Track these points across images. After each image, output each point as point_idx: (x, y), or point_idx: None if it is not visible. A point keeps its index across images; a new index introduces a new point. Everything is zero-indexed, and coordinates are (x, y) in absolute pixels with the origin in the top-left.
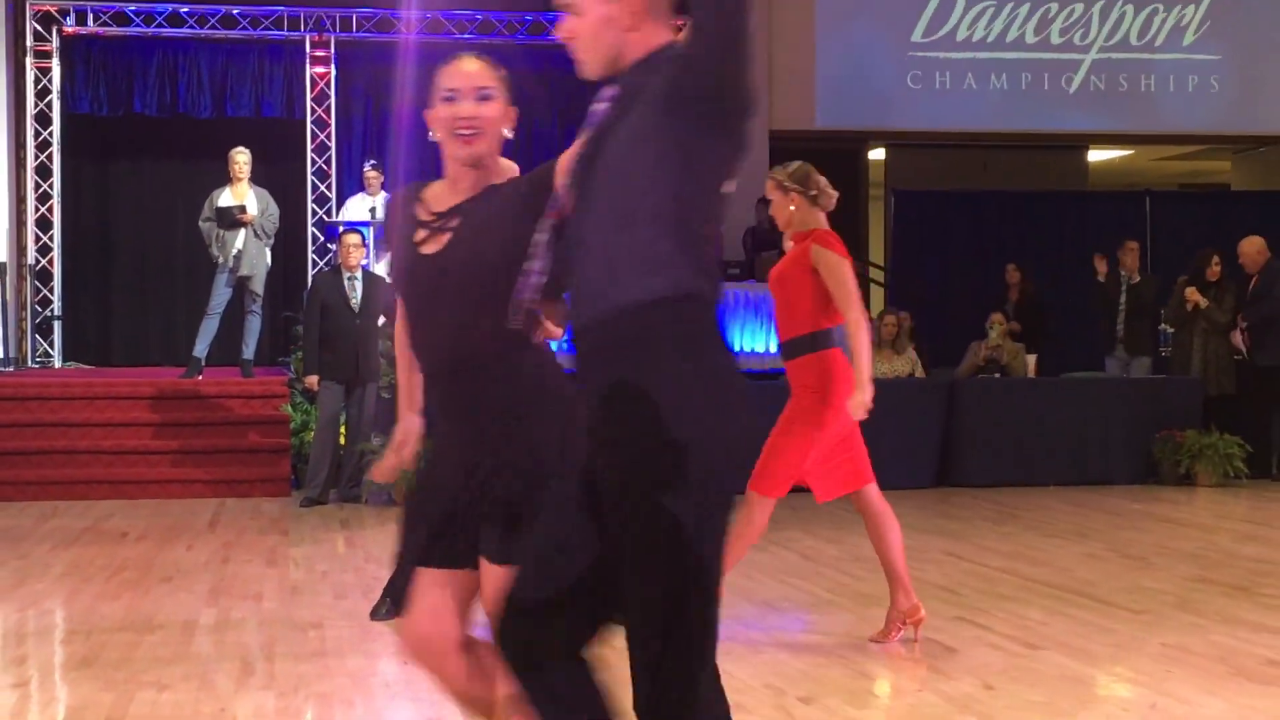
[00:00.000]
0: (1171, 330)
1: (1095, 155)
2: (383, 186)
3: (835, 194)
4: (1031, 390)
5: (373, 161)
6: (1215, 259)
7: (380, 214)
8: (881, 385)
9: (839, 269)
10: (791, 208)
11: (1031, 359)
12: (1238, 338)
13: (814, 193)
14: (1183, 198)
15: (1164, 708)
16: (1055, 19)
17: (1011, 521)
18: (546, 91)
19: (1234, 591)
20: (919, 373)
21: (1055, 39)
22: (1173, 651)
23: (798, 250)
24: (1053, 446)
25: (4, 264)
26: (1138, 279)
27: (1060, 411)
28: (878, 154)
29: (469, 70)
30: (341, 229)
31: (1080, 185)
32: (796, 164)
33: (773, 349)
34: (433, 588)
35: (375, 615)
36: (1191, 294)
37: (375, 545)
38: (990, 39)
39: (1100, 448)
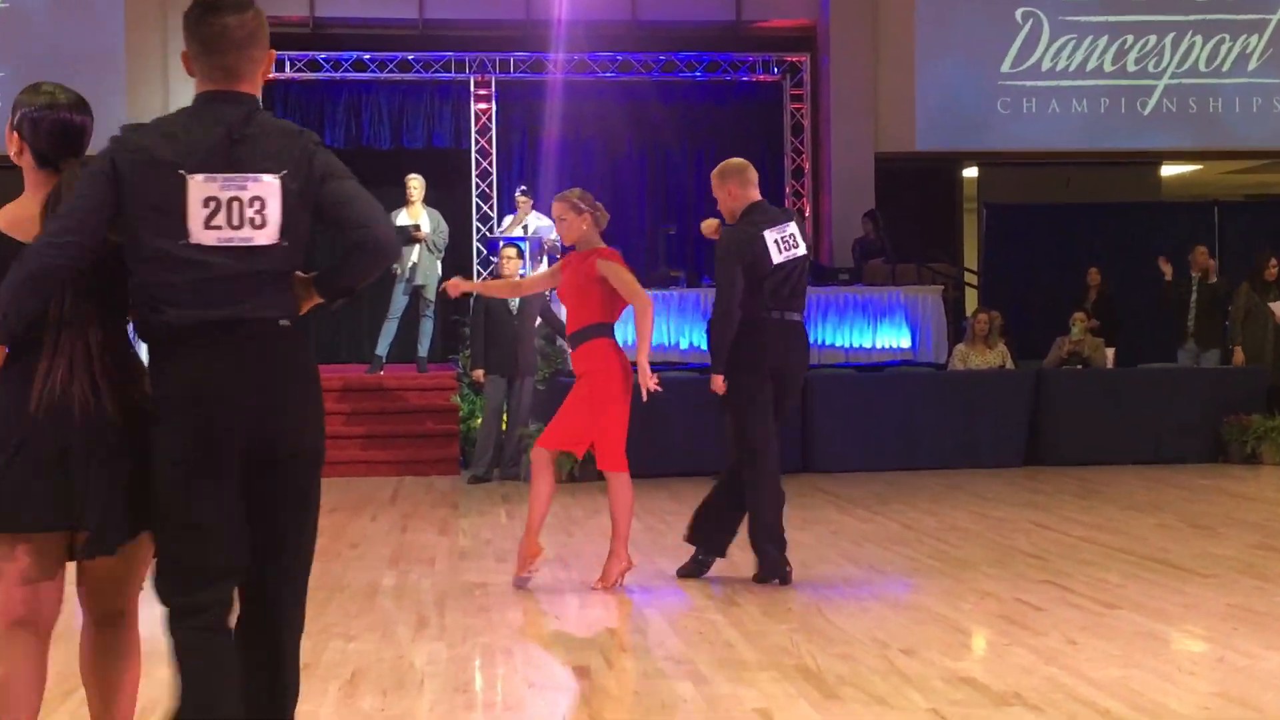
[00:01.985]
0: (1236, 327)
1: (1168, 170)
2: (532, 208)
3: (608, 216)
4: (1111, 379)
5: (523, 187)
6: (1273, 260)
7: (531, 231)
8: (975, 375)
9: (624, 273)
10: (584, 226)
11: (1110, 351)
12: None
13: (599, 213)
14: (1248, 207)
15: (1230, 660)
16: (1131, 49)
17: (1092, 496)
18: (676, 122)
19: None
20: (1009, 364)
21: (1131, 67)
22: (1238, 611)
23: (586, 265)
24: (1130, 429)
25: None
26: (1213, 279)
27: (1137, 398)
28: (971, 172)
29: None
30: (501, 244)
31: (1154, 197)
32: (580, 189)
33: (879, 345)
34: None
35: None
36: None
37: None
38: (1072, 68)
39: (1173, 430)
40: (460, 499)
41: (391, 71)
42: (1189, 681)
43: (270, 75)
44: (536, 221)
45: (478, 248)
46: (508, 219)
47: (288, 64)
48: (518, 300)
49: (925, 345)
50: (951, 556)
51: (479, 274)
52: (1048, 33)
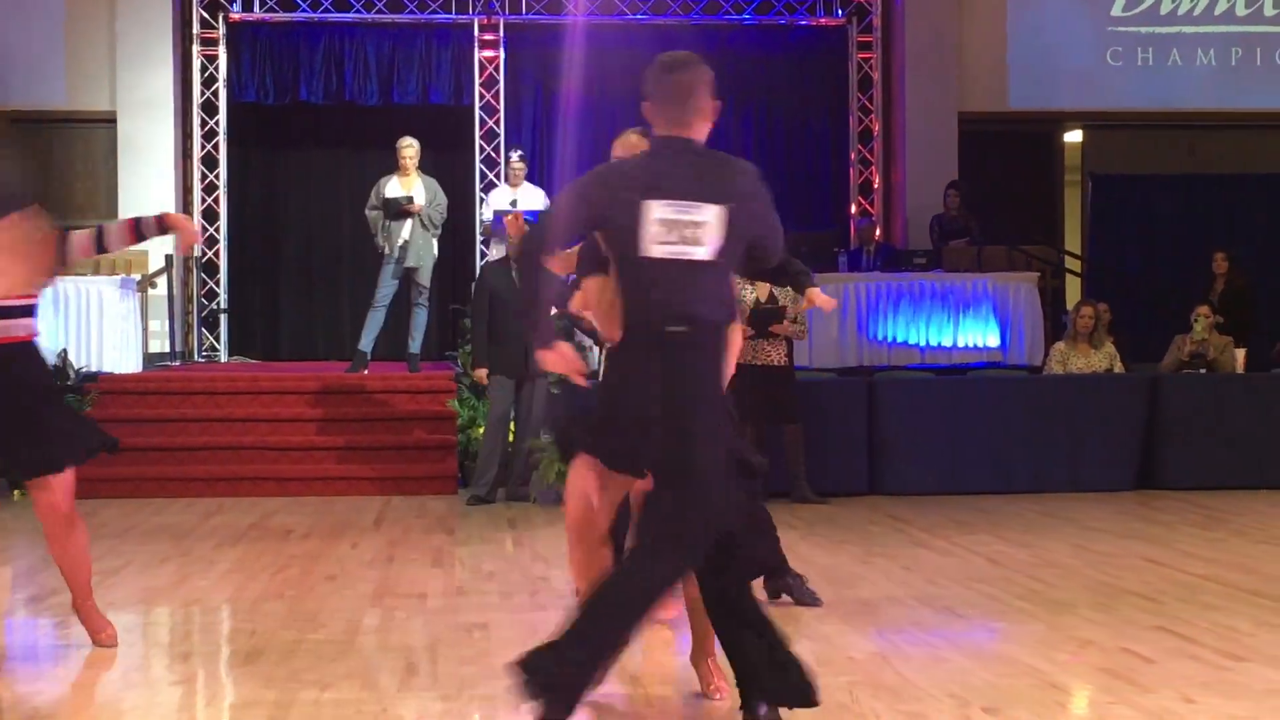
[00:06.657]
0: None
1: None
2: (526, 177)
3: None
4: (1242, 386)
5: (520, 152)
6: None
7: (521, 204)
8: (1078, 381)
9: None
10: None
11: (1241, 353)
12: None
13: None
14: None
15: None
16: None
17: (1218, 526)
18: (720, 75)
19: None
20: (1118, 368)
21: (1269, 10)
22: None
23: None
24: (1265, 447)
25: (170, 256)
26: None
27: (1274, 409)
28: (1074, 136)
29: None
30: (507, 217)
31: None
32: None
33: (962, 343)
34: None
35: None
36: None
37: (543, 545)
38: (1197, 12)
39: None
40: (458, 523)
41: (380, 12)
42: None
43: (235, 16)
44: (529, 194)
45: (481, 223)
46: (497, 189)
47: (256, 2)
48: None
49: (1017, 344)
50: (1046, 598)
51: (482, 255)
52: None
